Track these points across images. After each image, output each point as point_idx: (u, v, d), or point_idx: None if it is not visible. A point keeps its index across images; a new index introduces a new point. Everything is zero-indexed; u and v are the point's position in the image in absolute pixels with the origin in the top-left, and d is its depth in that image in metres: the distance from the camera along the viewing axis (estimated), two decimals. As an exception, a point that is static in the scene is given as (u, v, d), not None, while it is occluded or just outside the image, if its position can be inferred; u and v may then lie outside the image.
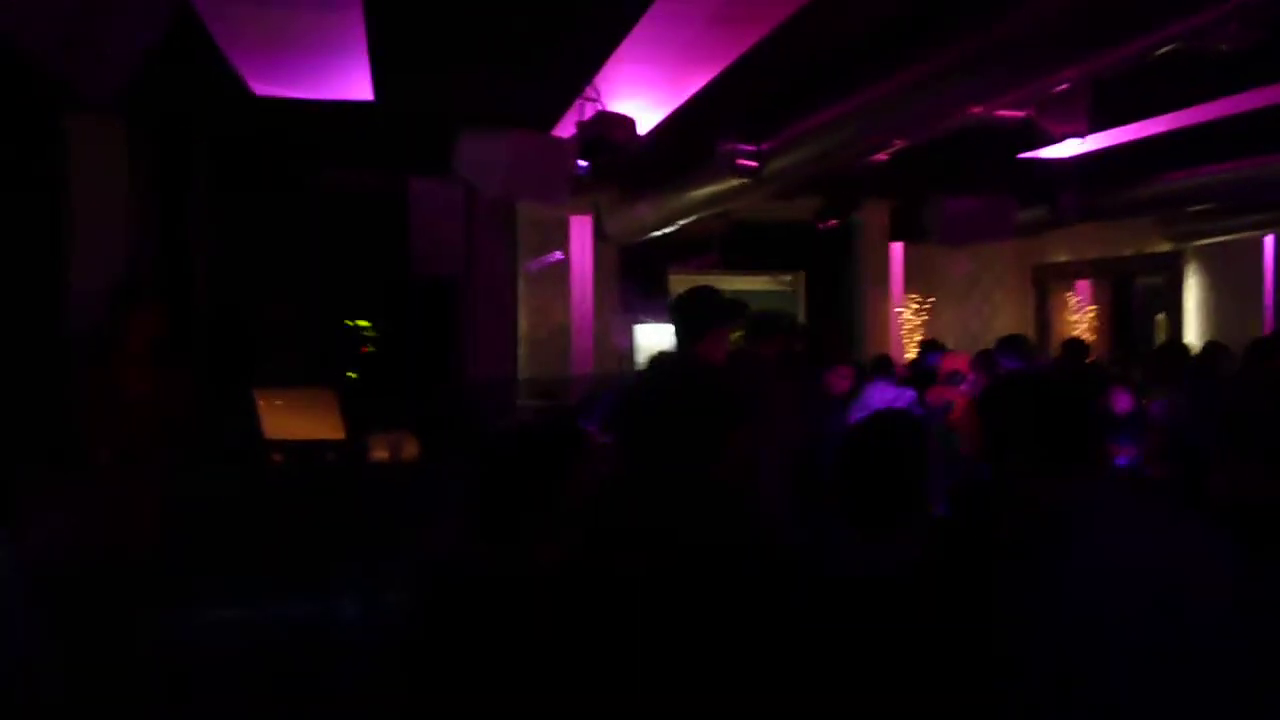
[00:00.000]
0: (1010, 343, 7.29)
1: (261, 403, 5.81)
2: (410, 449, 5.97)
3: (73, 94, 6.25)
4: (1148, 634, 1.93)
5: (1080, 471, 2.10)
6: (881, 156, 6.94)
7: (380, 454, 5.94)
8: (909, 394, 6.75)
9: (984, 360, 7.18)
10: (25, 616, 2.90)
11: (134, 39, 5.39)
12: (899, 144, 6.04)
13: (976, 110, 5.04)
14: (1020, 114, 5.26)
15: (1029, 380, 2.66)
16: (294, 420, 5.87)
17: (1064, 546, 2.02)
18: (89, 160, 6.89)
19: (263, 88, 6.16)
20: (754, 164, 6.43)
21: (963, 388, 6.84)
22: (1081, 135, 5.96)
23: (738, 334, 5.17)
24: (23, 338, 6.38)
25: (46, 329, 6.55)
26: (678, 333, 4.12)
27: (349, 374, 8.17)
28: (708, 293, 4.15)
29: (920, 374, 7.95)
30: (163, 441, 5.00)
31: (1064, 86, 5.09)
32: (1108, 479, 2.13)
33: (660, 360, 4.68)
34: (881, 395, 6.85)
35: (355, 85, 6.10)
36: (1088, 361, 8.06)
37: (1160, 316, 11.29)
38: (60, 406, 5.05)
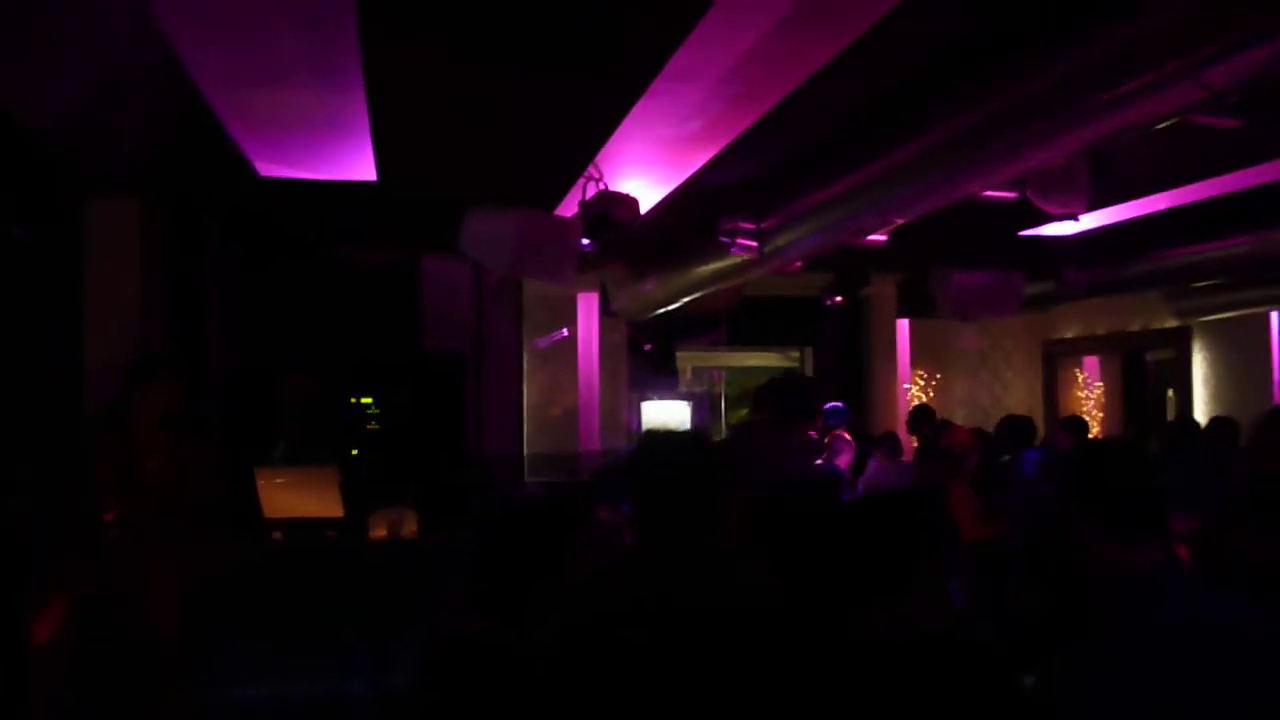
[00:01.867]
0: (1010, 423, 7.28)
1: (261, 481, 5.82)
2: (410, 526, 5.94)
3: (88, 177, 6.39)
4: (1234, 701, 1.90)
5: (1146, 541, 2.09)
6: (883, 234, 7.01)
7: (379, 532, 5.91)
8: (909, 471, 6.71)
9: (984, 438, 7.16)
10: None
11: (146, 125, 5.52)
12: (899, 221, 6.09)
13: (971, 188, 5.09)
14: (1013, 194, 5.31)
15: (1098, 449, 2.66)
16: (294, 498, 5.87)
17: (1141, 615, 2.01)
18: (103, 240, 6.99)
19: (268, 169, 6.26)
20: (754, 242, 6.48)
21: (962, 467, 6.76)
22: (1078, 215, 6.00)
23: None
24: (40, 416, 6.42)
25: (64, 407, 6.60)
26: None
27: (353, 451, 8.17)
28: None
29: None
30: (175, 517, 5.00)
31: (1060, 164, 5.18)
32: (1169, 547, 2.13)
33: (652, 436, 4.69)
34: (884, 474, 6.83)
35: (359, 166, 6.20)
36: (1090, 438, 8.03)
37: (1170, 392, 11.24)
38: (75, 482, 5.06)
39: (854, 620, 2.37)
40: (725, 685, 2.08)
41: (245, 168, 6.16)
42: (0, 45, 4.26)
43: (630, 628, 2.13)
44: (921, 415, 9.23)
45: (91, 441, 5.14)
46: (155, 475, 4.98)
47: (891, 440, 8.31)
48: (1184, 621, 2.00)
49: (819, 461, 5.98)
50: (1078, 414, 9.89)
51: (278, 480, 5.91)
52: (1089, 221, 7.81)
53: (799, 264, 7.92)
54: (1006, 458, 6.97)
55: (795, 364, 12.28)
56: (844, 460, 6.96)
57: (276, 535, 5.84)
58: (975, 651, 2.21)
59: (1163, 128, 3.94)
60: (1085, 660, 2.03)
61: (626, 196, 6.40)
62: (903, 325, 11.44)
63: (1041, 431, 10.01)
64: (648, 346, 10.58)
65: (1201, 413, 9.82)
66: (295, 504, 5.87)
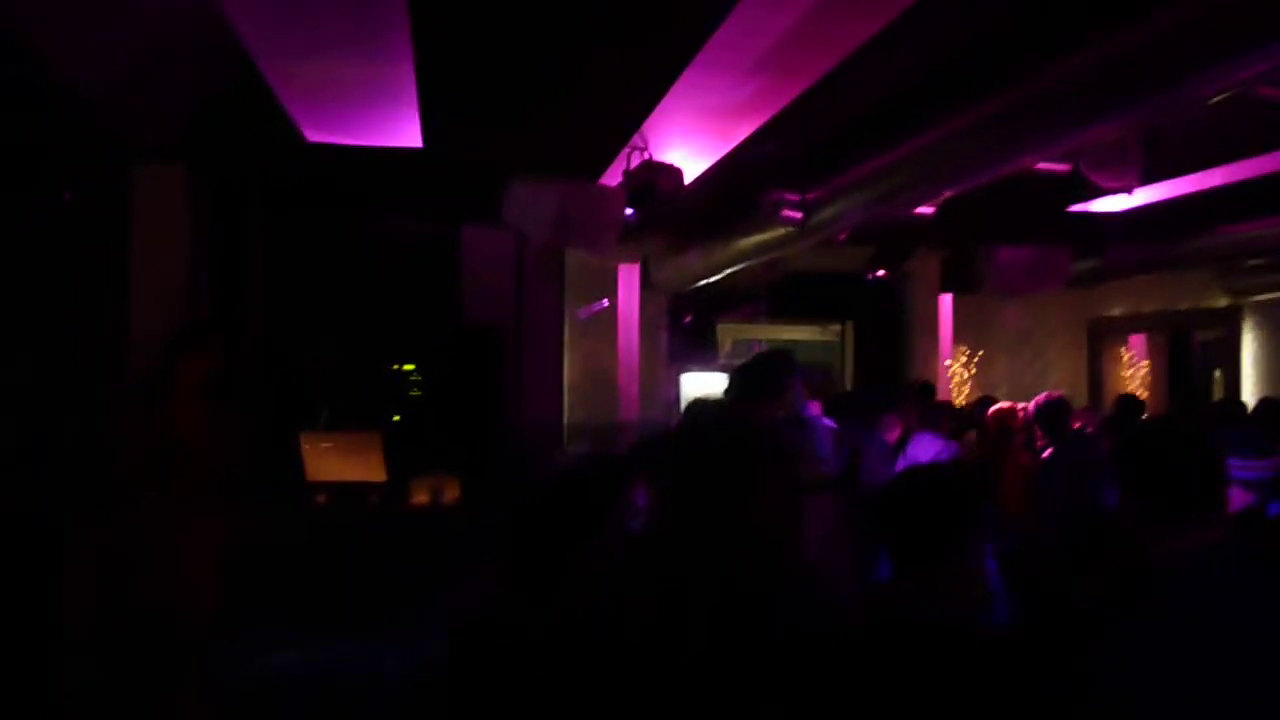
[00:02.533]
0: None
1: (306, 446, 5.88)
2: (451, 492, 5.99)
3: (135, 143, 6.45)
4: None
5: (1201, 522, 2.07)
6: (930, 207, 6.94)
7: (421, 498, 5.97)
8: (954, 447, 6.65)
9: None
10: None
11: (194, 91, 5.56)
12: (947, 194, 6.02)
13: (1024, 160, 5.02)
14: (1066, 167, 5.22)
15: (1156, 428, 2.64)
16: (337, 463, 5.93)
17: (1196, 598, 2.00)
18: (149, 207, 7.07)
19: (316, 135, 6.29)
20: (799, 214, 6.44)
21: (1013, 442, 6.74)
22: (1132, 189, 5.90)
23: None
24: (85, 380, 6.52)
25: (108, 372, 6.70)
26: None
27: (394, 418, 8.24)
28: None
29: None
30: (215, 482, 5.05)
31: (1113, 137, 5.09)
32: (1230, 529, 2.10)
33: (698, 407, 4.67)
34: (927, 448, 6.76)
35: (406, 133, 6.21)
36: (1144, 418, 7.91)
37: (1217, 372, 11.07)
38: (114, 447, 5.12)
39: (885, 594, 2.36)
40: (753, 668, 2.07)
41: (293, 134, 6.18)
42: (50, 11, 4.30)
43: (661, 607, 2.11)
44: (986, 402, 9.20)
45: (130, 406, 5.18)
46: (193, 441, 5.02)
47: (934, 413, 8.24)
48: (1239, 604, 1.97)
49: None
50: (1132, 393, 9.75)
51: (322, 445, 5.97)
52: (1140, 197, 7.69)
53: (843, 236, 7.86)
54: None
55: (835, 338, 12.21)
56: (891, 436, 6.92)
57: (320, 499, 5.90)
58: (991, 645, 2.19)
59: (1218, 101, 3.86)
60: (1135, 644, 2.00)
61: (671, 167, 6.37)
62: (945, 301, 11.34)
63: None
64: (687, 319, 10.56)
65: (1250, 394, 9.66)
66: (339, 468, 5.93)
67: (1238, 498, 3.62)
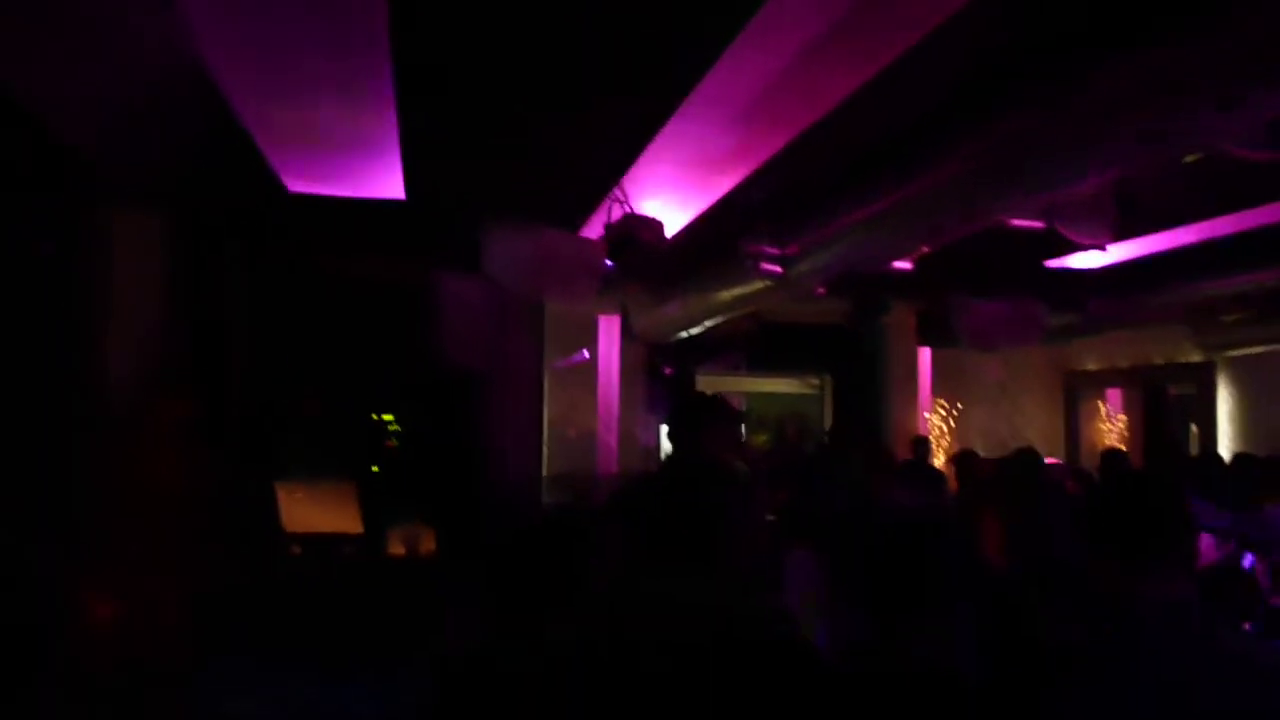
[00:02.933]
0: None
1: (282, 494, 5.83)
2: (427, 543, 5.95)
3: (113, 187, 6.45)
4: None
5: (1163, 574, 2.09)
6: (908, 261, 7.00)
7: (397, 549, 5.92)
8: (921, 499, 6.66)
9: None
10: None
11: (174, 136, 5.57)
12: (924, 249, 6.08)
13: (998, 215, 5.08)
14: (1040, 224, 5.29)
15: (1128, 479, 2.66)
16: (313, 513, 5.89)
17: (1134, 648, 2.01)
18: (127, 251, 7.05)
19: (296, 185, 6.30)
20: (778, 267, 6.48)
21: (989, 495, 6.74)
22: (1105, 245, 5.97)
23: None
24: (56, 425, 6.46)
25: (85, 418, 6.63)
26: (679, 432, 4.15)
27: (373, 468, 8.18)
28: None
29: (937, 480, 7.86)
30: (189, 530, 5.00)
31: (1087, 194, 5.16)
32: (1190, 580, 2.11)
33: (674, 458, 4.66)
34: (901, 500, 6.78)
35: (387, 183, 6.24)
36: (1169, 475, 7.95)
37: (1194, 426, 11.15)
38: (88, 492, 5.08)
39: (864, 644, 2.36)
40: (736, 710, 2.07)
41: (274, 183, 6.20)
42: (34, 56, 4.31)
43: (640, 654, 2.11)
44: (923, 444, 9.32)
45: (107, 452, 5.15)
46: (170, 488, 4.98)
47: (914, 467, 8.27)
48: (1197, 656, 1.98)
49: None
50: (1115, 447, 9.83)
51: (297, 494, 5.92)
52: (1114, 253, 7.78)
53: (822, 289, 7.91)
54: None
55: (815, 390, 12.25)
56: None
57: (295, 549, 5.84)
58: (968, 694, 2.19)
59: (1190, 160, 3.94)
60: (1092, 693, 2.02)
61: (652, 220, 6.41)
62: (924, 354, 11.40)
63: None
64: (668, 370, 10.58)
65: (1225, 448, 9.73)
66: (314, 518, 5.88)
67: (1210, 549, 3.65)
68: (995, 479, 6.97)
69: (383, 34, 4.11)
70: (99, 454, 5.26)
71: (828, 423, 11.74)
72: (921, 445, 9.97)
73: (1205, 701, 1.93)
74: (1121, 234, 6.23)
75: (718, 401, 4.17)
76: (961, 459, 8.35)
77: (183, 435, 5.07)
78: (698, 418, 4.09)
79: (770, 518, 6.06)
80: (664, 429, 10.22)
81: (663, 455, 10.24)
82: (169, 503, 4.94)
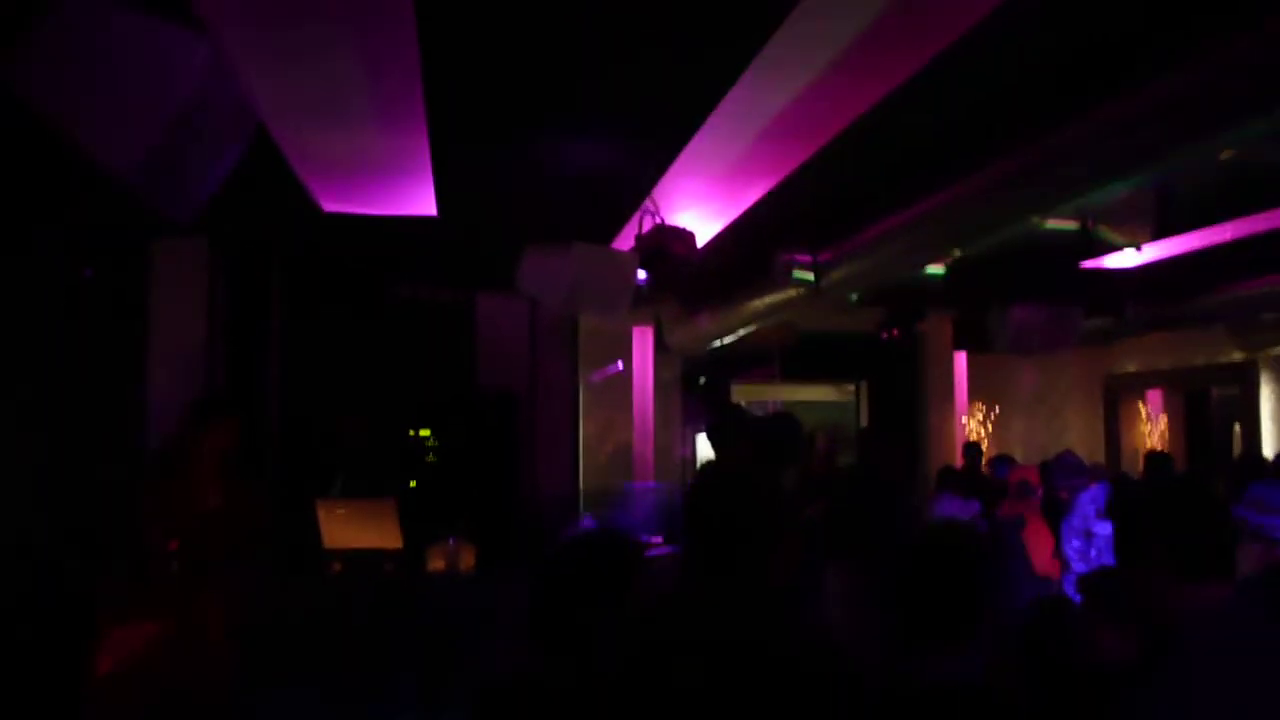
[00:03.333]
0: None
1: (322, 512, 5.88)
2: (467, 559, 5.97)
3: (155, 218, 6.54)
4: None
5: (1213, 581, 2.07)
6: (940, 266, 6.97)
7: (437, 564, 5.95)
8: (974, 506, 6.62)
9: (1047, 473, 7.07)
10: None
11: (214, 165, 5.64)
12: (958, 254, 6.06)
13: (1034, 219, 5.05)
14: (1074, 223, 5.26)
15: (1168, 487, 2.65)
16: (353, 530, 5.92)
17: (1190, 659, 1.99)
18: (168, 279, 7.16)
19: (332, 205, 6.37)
20: (811, 275, 6.47)
21: (1033, 501, 6.70)
22: (1140, 245, 5.92)
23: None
24: (104, 452, 6.56)
25: (127, 444, 6.73)
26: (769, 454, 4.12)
27: (411, 484, 8.23)
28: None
29: (989, 487, 7.80)
30: (234, 555, 5.07)
31: (1122, 196, 5.13)
32: (1238, 589, 2.10)
33: (708, 470, 4.66)
34: (948, 508, 6.74)
35: (421, 202, 6.29)
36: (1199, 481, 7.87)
37: (1236, 427, 11.01)
38: (134, 518, 5.15)
39: (905, 658, 2.35)
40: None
41: (309, 205, 6.27)
42: (74, 86, 4.38)
43: (682, 672, 2.11)
44: (1002, 460, 9.27)
45: (151, 478, 5.23)
46: (213, 513, 5.05)
47: (951, 475, 8.22)
48: (1251, 657, 1.96)
49: None
50: (1161, 450, 9.74)
51: (338, 511, 5.97)
52: (1151, 254, 7.70)
53: (855, 297, 7.89)
54: (1065, 495, 6.86)
55: (850, 398, 12.20)
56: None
57: (336, 566, 5.89)
58: (1010, 709, 2.18)
59: (1227, 157, 3.90)
60: (1150, 701, 1.99)
61: (683, 231, 6.42)
62: (960, 359, 11.34)
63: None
64: (702, 379, 10.58)
65: (1270, 447, 9.60)
66: (354, 535, 5.92)
67: (1258, 553, 3.59)
68: (1039, 487, 6.94)
69: (413, 56, 4.15)
70: (144, 479, 5.34)
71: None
72: (972, 451, 9.88)
73: (1257, 708, 1.91)
74: (1159, 233, 6.18)
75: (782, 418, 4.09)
76: (998, 464, 8.30)
77: (226, 463, 5.15)
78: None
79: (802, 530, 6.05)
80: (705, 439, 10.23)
81: (698, 466, 10.24)
82: (214, 529, 5.00)
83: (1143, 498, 2.39)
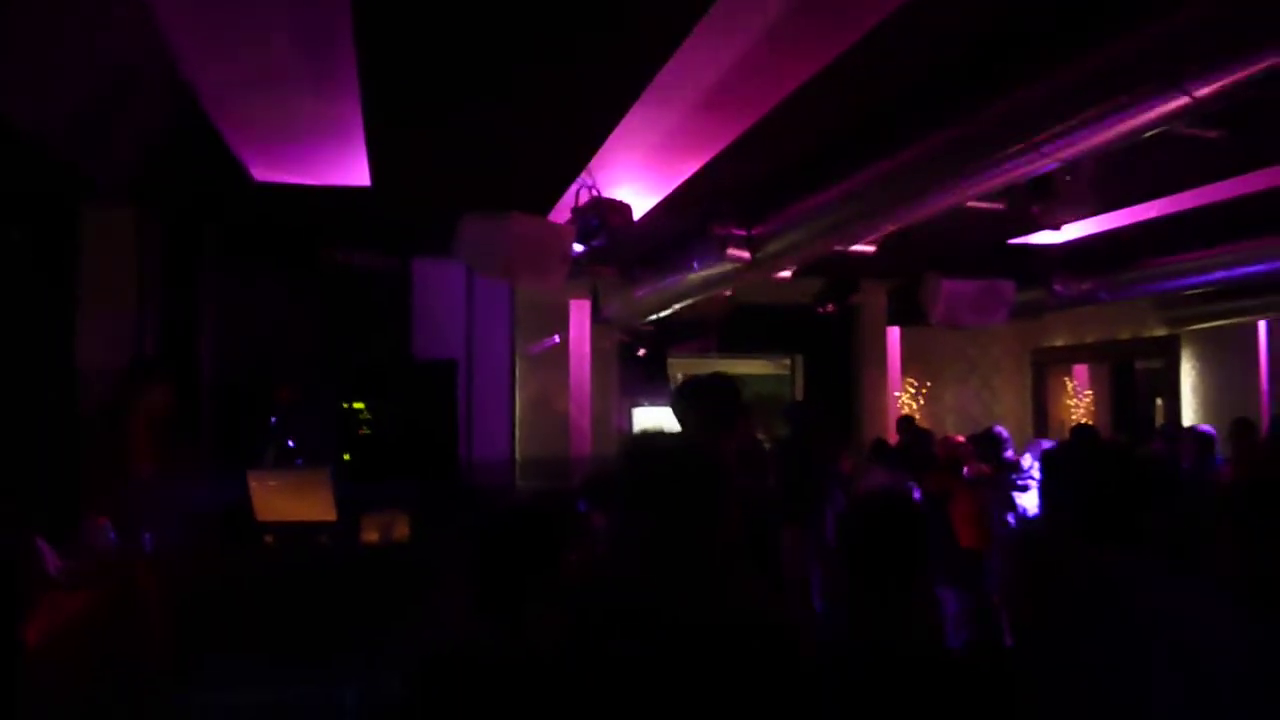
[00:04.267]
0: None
1: (254, 484, 5.82)
2: (401, 530, 5.96)
3: (85, 182, 6.42)
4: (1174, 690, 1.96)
5: (1127, 539, 2.16)
6: (873, 243, 7.06)
7: (371, 535, 5.93)
8: (901, 479, 6.74)
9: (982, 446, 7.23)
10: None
11: (141, 130, 5.55)
12: (890, 229, 6.14)
13: (965, 196, 5.14)
14: (999, 206, 5.35)
15: (1076, 456, 2.73)
16: (286, 502, 5.87)
17: (1107, 609, 2.10)
18: (98, 244, 7.02)
19: (263, 174, 6.29)
20: (746, 249, 6.52)
21: (960, 475, 6.83)
22: (1063, 223, 6.05)
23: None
24: (33, 419, 6.45)
25: (56, 410, 6.62)
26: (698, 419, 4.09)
27: (344, 455, 8.18)
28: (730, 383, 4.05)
29: (922, 461, 7.93)
30: (165, 520, 5.03)
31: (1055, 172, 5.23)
32: (1152, 547, 2.19)
33: (644, 439, 4.65)
34: (877, 481, 6.86)
35: (354, 171, 6.23)
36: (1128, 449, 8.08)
37: (1159, 400, 11.31)
38: (65, 484, 5.09)
39: (849, 621, 2.41)
40: (716, 702, 2.09)
41: (241, 173, 6.18)
42: (2, 48, 4.28)
43: (621, 641, 2.12)
44: (906, 424, 9.41)
45: (83, 443, 5.17)
46: (146, 478, 5.00)
47: (883, 448, 8.36)
48: (1148, 611, 2.05)
49: None
50: (1086, 423, 9.99)
51: (270, 483, 5.91)
52: (1078, 230, 7.88)
53: (790, 270, 7.96)
54: (992, 468, 7.03)
55: (786, 371, 12.33)
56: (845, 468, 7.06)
57: (269, 539, 5.85)
58: (952, 668, 2.25)
59: (1149, 137, 4.00)
60: (1054, 650, 2.09)
61: (620, 203, 6.43)
62: (893, 333, 11.50)
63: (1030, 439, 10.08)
64: (642, 352, 10.62)
65: (1190, 421, 9.88)
66: (288, 507, 5.87)
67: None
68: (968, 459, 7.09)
69: (346, 23, 4.11)
70: (75, 445, 5.27)
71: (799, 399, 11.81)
72: (906, 425, 9.96)
73: (1180, 646, 2.00)
74: (1087, 212, 6.31)
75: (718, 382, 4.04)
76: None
77: (159, 425, 5.09)
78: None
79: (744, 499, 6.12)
80: (642, 411, 10.29)
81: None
82: (147, 494, 4.96)
83: (1057, 466, 2.48)
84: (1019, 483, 6.54)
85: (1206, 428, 7.37)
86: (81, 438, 5.32)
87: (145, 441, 5.09)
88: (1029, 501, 6.38)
